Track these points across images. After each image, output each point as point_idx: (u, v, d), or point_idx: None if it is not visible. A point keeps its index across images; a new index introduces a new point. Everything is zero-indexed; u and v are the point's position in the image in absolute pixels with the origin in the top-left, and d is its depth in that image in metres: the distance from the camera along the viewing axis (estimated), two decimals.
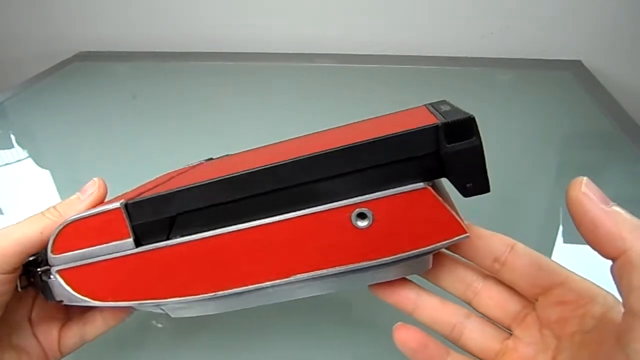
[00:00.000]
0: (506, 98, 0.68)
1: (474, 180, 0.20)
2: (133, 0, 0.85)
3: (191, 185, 0.21)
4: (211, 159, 0.34)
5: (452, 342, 0.23)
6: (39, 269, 0.24)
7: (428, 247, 0.21)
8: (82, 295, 0.24)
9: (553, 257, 0.40)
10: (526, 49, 0.77)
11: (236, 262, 0.22)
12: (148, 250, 0.22)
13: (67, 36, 0.92)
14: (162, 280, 0.23)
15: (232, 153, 0.34)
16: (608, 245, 0.16)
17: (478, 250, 0.23)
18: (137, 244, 0.22)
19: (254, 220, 0.21)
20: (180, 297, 0.23)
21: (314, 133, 0.29)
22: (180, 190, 0.21)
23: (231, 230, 0.21)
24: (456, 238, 0.21)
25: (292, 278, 0.21)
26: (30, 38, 0.94)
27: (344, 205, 0.20)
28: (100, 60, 0.88)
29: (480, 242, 0.22)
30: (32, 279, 0.24)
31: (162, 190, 0.23)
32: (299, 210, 0.20)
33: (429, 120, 0.20)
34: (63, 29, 0.92)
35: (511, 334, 0.22)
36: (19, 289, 0.24)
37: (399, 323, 0.22)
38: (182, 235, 0.22)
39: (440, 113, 0.21)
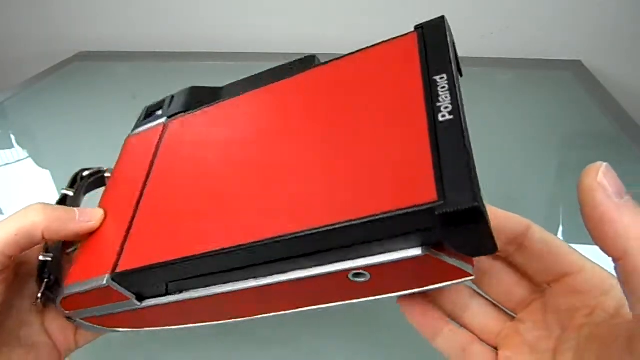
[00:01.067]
0: (506, 98, 0.68)
1: (478, 251, 0.17)
2: (133, 0, 0.85)
3: (179, 259, 0.20)
4: (175, 116, 0.29)
5: (454, 319, 0.23)
6: (58, 300, 0.24)
7: (427, 288, 0.19)
8: (108, 327, 0.25)
9: None
10: (526, 49, 0.77)
11: (231, 307, 0.22)
12: (152, 306, 0.23)
13: (67, 36, 0.92)
14: (169, 316, 0.23)
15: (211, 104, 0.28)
16: (612, 245, 0.15)
17: None
18: (140, 299, 0.22)
19: (250, 279, 0.20)
20: (184, 325, 0.24)
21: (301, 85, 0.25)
22: (165, 265, 0.20)
23: (227, 290, 0.21)
24: (459, 281, 0.19)
25: (280, 313, 0.22)
26: (30, 38, 0.94)
27: (340, 269, 0.19)
28: (100, 60, 0.88)
29: (494, 223, 0.19)
30: (52, 299, 0.24)
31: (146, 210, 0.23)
32: (295, 271, 0.19)
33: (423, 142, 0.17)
34: (63, 29, 0.92)
35: (515, 317, 0.22)
36: (42, 307, 0.24)
37: None
38: (181, 292, 0.22)
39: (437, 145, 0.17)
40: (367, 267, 0.18)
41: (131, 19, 0.88)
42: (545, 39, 0.76)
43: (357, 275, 0.19)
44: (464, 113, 0.18)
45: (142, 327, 0.25)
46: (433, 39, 0.22)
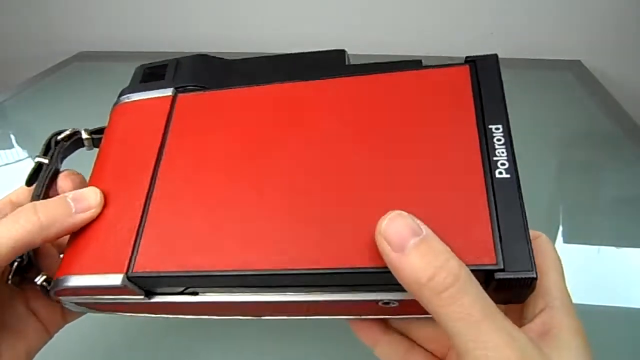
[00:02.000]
0: (506, 98, 0.67)
1: (510, 302, 0.17)
2: (133, 0, 0.85)
3: (203, 273, 0.19)
4: (183, 87, 0.25)
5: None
6: (37, 281, 0.22)
7: None
8: (101, 311, 0.23)
9: None
10: (526, 49, 0.77)
11: (249, 310, 0.21)
12: (160, 302, 0.21)
13: (67, 36, 0.92)
14: (179, 309, 0.22)
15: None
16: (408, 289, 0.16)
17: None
18: (149, 295, 0.21)
19: (275, 294, 0.19)
20: (187, 316, 0.23)
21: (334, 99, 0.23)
22: (189, 275, 0.19)
23: (250, 300, 0.20)
24: None
25: (298, 317, 0.21)
26: (30, 38, 0.94)
27: (371, 299, 0.19)
28: (100, 60, 0.88)
29: None
30: (29, 279, 0.22)
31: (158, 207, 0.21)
32: (325, 294, 0.19)
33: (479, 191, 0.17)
34: (63, 29, 0.91)
35: None
36: (9, 282, 0.22)
37: None
38: (197, 294, 0.21)
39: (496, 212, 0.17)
40: (397, 300, 0.18)
41: (131, 19, 0.88)
42: (545, 39, 0.76)
43: (386, 302, 0.19)
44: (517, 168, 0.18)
45: (140, 314, 0.23)
46: (486, 79, 0.20)
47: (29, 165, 0.25)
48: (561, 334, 0.16)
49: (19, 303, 0.23)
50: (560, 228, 0.42)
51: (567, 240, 0.41)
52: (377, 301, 0.19)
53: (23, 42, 0.94)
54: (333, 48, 0.26)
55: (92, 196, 0.21)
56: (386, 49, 0.81)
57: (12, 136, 0.64)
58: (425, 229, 0.16)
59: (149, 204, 0.21)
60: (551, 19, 0.74)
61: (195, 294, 0.21)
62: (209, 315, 0.22)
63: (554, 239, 0.41)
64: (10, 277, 0.22)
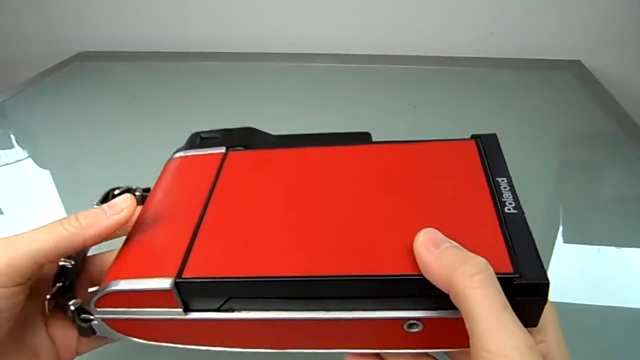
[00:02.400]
0: (506, 98, 0.68)
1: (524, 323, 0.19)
2: (133, 0, 0.85)
3: (249, 278, 0.21)
4: (233, 148, 0.30)
5: None
6: (71, 305, 0.23)
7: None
8: (128, 335, 0.24)
9: (553, 257, 0.40)
10: (526, 49, 0.77)
11: (281, 337, 0.22)
12: (197, 319, 0.22)
13: (67, 36, 0.92)
14: (208, 336, 0.23)
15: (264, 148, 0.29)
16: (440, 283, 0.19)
17: None
18: (187, 310, 0.22)
19: (309, 311, 0.21)
20: (226, 348, 0.23)
21: (364, 149, 0.28)
22: (235, 281, 0.21)
23: (284, 317, 0.21)
24: None
25: (331, 351, 0.22)
26: (30, 38, 0.94)
27: (397, 317, 0.20)
28: (100, 60, 0.88)
29: None
30: (61, 304, 0.24)
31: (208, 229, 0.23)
32: (355, 312, 0.21)
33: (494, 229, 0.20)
34: (63, 29, 0.92)
35: None
36: (47, 311, 0.23)
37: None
38: (233, 311, 0.22)
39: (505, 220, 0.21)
40: (422, 319, 0.20)
41: (131, 19, 0.88)
42: (545, 39, 0.76)
43: (412, 325, 0.20)
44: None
45: (164, 342, 0.24)
46: (490, 148, 0.26)
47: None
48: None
49: (41, 326, 0.24)
50: (560, 228, 0.42)
51: (567, 240, 0.41)
52: (403, 321, 0.20)
53: (23, 42, 0.94)
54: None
55: (123, 200, 0.24)
56: (386, 49, 0.81)
57: (12, 136, 0.64)
58: (453, 242, 0.20)
59: (200, 226, 0.24)
60: (551, 19, 0.74)
61: (232, 310, 0.22)
62: (238, 346, 0.23)
63: (554, 239, 0.41)
64: (48, 297, 0.23)
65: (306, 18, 0.81)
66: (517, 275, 0.18)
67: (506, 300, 0.17)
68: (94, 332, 0.24)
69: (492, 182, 0.23)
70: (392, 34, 0.80)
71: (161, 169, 0.29)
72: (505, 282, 0.18)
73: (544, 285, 0.18)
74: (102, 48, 0.91)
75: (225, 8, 0.83)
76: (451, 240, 0.20)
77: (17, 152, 0.61)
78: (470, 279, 0.18)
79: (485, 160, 0.25)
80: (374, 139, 0.29)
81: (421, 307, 0.20)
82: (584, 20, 0.73)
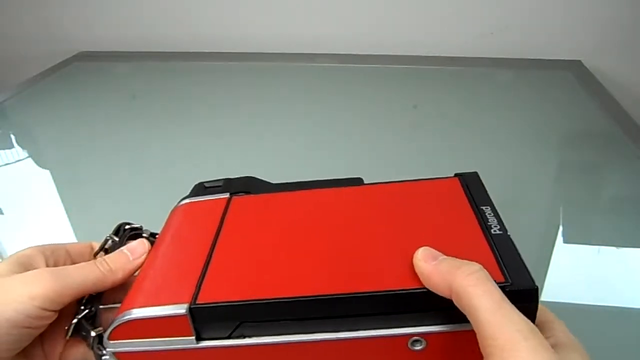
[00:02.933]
0: (506, 98, 0.68)
1: None
2: (133, 0, 0.85)
3: (259, 300, 0.22)
4: (236, 194, 0.32)
5: None
6: (93, 332, 0.25)
7: None
8: None
9: (553, 257, 0.40)
10: (526, 49, 0.77)
11: None
12: (208, 347, 0.23)
13: (67, 36, 0.92)
14: None
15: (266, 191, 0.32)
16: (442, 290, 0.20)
17: None
18: (198, 339, 0.23)
19: (317, 333, 0.22)
20: None
21: (361, 189, 0.30)
22: (248, 304, 0.22)
23: (293, 340, 0.22)
24: None
25: None
26: (30, 38, 0.94)
27: (402, 334, 0.21)
28: (100, 60, 0.88)
29: None
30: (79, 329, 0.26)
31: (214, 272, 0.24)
32: (361, 331, 0.22)
33: (484, 250, 0.22)
34: (63, 29, 0.92)
35: None
36: (67, 337, 0.26)
37: None
38: (244, 337, 0.23)
39: (491, 237, 0.23)
40: (426, 334, 0.21)
41: (131, 19, 0.88)
42: (545, 39, 0.76)
43: (415, 342, 0.21)
44: None
45: None
46: (473, 183, 0.28)
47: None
48: (564, 348, 0.20)
49: (39, 342, 0.26)
50: (560, 228, 0.42)
51: (567, 240, 0.41)
52: (407, 338, 0.21)
53: (23, 42, 0.95)
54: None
55: (141, 245, 0.28)
56: (386, 49, 0.81)
57: (12, 136, 0.65)
58: (448, 256, 0.21)
59: (210, 260, 0.25)
60: (551, 19, 0.74)
61: (243, 337, 0.23)
62: None
63: (554, 239, 0.41)
64: (75, 320, 0.26)
65: (306, 18, 0.82)
66: (509, 283, 0.20)
67: (503, 294, 0.19)
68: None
69: (477, 211, 0.25)
70: (392, 34, 0.80)
71: (167, 215, 0.31)
72: None
73: (533, 291, 0.20)
74: (102, 48, 0.91)
75: (225, 8, 0.83)
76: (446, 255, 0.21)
77: (17, 152, 0.61)
78: (469, 277, 0.19)
79: (469, 193, 0.27)
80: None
81: (424, 323, 0.21)
82: (584, 20, 0.73)
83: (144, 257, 0.27)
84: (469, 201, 0.26)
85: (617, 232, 0.41)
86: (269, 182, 0.33)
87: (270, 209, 0.29)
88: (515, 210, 0.46)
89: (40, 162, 0.58)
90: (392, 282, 0.21)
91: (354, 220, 0.26)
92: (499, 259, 0.22)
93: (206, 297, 0.22)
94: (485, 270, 0.20)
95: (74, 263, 0.28)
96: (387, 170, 0.46)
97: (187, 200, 0.32)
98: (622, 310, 0.35)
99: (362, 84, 0.73)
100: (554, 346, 0.20)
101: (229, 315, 0.22)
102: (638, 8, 0.70)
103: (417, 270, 0.21)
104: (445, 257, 0.21)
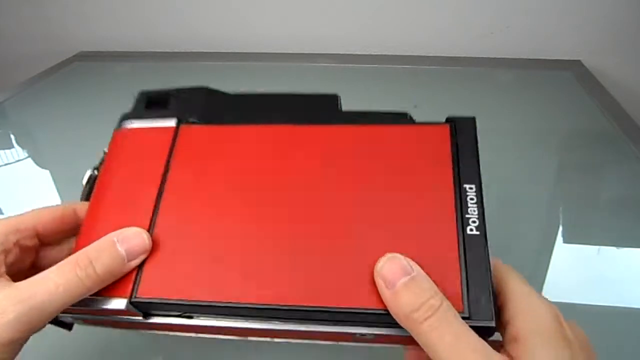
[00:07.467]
0: (506, 98, 0.68)
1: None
2: (133, 0, 0.85)
3: (204, 303, 0.21)
4: (185, 120, 0.27)
5: None
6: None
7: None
8: (96, 325, 0.25)
9: (553, 257, 0.40)
10: (526, 49, 0.77)
11: (242, 333, 0.23)
12: (157, 323, 0.23)
13: (67, 36, 0.92)
14: (173, 329, 0.23)
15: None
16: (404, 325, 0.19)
17: None
18: (147, 316, 0.23)
19: (265, 322, 0.21)
20: (190, 333, 0.23)
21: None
22: (191, 304, 0.21)
23: (243, 326, 0.22)
24: None
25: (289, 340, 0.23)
26: (30, 38, 0.94)
27: (350, 332, 0.21)
28: (100, 60, 0.88)
29: None
30: None
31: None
32: (311, 325, 0.21)
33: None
34: (63, 29, 0.91)
35: None
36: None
37: None
38: (192, 317, 0.22)
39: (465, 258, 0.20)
40: (375, 335, 0.21)
41: (131, 19, 0.88)
42: (545, 39, 0.76)
43: (363, 335, 0.21)
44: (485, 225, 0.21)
45: (137, 329, 0.24)
46: (464, 140, 0.23)
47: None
48: (528, 339, 0.18)
49: None
50: (560, 228, 0.42)
51: (567, 240, 0.41)
52: (354, 334, 0.21)
53: (23, 42, 0.94)
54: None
55: (140, 241, 0.22)
56: (385, 50, 0.81)
57: (12, 136, 0.64)
58: (416, 269, 0.19)
59: (151, 234, 0.23)
60: (551, 19, 0.74)
61: (191, 317, 0.22)
62: (203, 334, 0.23)
63: (554, 239, 0.41)
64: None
65: (306, 18, 0.81)
66: (466, 317, 0.19)
67: (461, 327, 0.18)
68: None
69: (459, 191, 0.22)
70: (392, 34, 0.80)
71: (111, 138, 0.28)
72: None
73: (491, 329, 0.19)
74: (102, 48, 0.91)
75: (225, 8, 0.83)
76: (413, 266, 0.20)
77: (17, 152, 0.61)
78: (420, 325, 0.18)
79: (457, 155, 0.23)
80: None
81: (375, 326, 0.21)
82: (584, 20, 0.73)
83: (142, 257, 0.22)
84: (453, 173, 0.22)
85: (617, 232, 0.41)
86: (225, 93, 0.28)
87: (223, 153, 0.25)
88: (514, 209, 0.46)
89: (40, 162, 0.58)
90: (351, 298, 0.20)
91: (314, 183, 0.23)
92: (465, 277, 0.20)
93: (145, 292, 0.21)
94: (445, 306, 0.18)
95: (46, 244, 0.24)
96: None
97: (126, 124, 0.28)
98: (622, 310, 0.35)
99: (362, 84, 0.73)
100: (514, 341, 0.19)
101: (171, 309, 0.22)
102: (638, 8, 0.70)
103: (377, 286, 0.20)
104: (404, 280, 0.19)
